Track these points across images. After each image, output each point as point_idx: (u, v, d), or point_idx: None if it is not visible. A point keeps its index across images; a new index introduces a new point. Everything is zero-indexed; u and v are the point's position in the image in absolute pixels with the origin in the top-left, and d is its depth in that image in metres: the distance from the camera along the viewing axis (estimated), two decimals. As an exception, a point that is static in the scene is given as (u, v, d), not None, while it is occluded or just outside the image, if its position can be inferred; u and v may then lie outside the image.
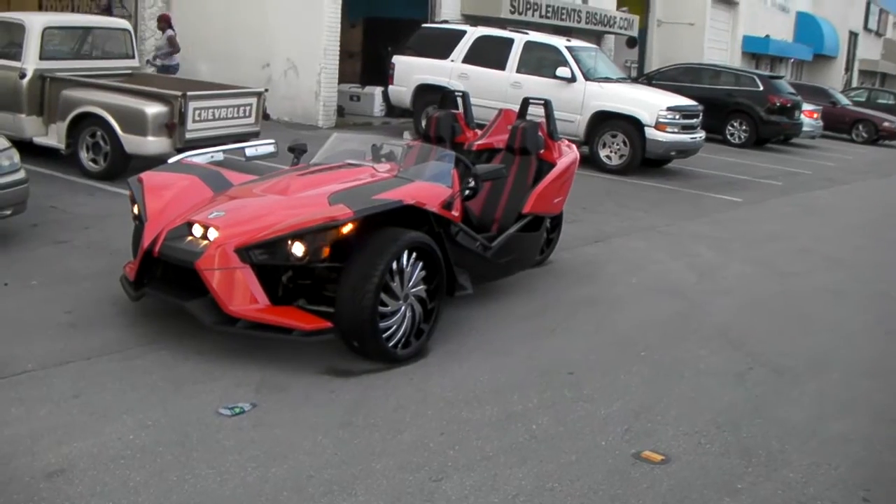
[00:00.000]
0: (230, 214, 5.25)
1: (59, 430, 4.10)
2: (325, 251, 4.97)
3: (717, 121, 19.66)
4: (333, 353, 5.17)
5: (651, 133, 13.67)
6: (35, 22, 10.15)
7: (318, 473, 3.89)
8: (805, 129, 22.11)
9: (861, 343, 6.60)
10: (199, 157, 9.11)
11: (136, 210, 5.67)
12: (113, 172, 9.47)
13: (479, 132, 7.93)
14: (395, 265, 5.02)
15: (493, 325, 6.08)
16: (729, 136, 20.70)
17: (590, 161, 13.85)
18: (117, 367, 4.87)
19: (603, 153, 14.05)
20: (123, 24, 11.51)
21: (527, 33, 15.22)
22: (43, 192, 8.62)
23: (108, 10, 16.34)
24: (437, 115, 7.75)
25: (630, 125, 13.80)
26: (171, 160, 7.62)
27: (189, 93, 9.57)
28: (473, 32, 15.40)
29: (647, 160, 14.11)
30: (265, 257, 4.99)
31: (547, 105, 7.71)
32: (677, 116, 13.91)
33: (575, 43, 15.24)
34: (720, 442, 4.54)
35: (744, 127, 20.65)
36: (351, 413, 4.51)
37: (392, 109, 17.36)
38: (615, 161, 13.98)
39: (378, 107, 18.31)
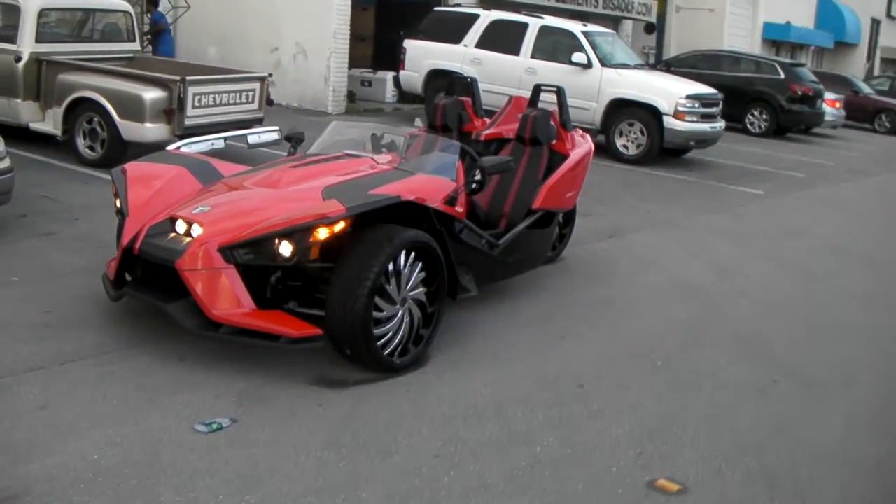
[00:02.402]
0: (216, 210, 4.88)
1: (20, 447, 3.76)
2: (315, 251, 4.60)
3: (736, 109, 19.12)
4: (326, 359, 4.80)
5: (669, 122, 13.20)
6: (31, 2, 9.77)
7: (297, 502, 3.51)
8: (827, 118, 21.56)
9: (893, 352, 6.17)
10: (200, 144, 8.78)
11: (118, 203, 5.32)
12: (110, 160, 9.06)
13: (488, 121, 7.52)
14: (391, 266, 4.63)
15: (498, 329, 5.68)
16: (749, 126, 20.17)
17: (605, 150, 13.41)
18: (91, 374, 4.52)
19: (619, 142, 13.60)
20: (124, 5, 11.12)
21: (542, 17, 14.77)
22: (35, 179, 8.30)
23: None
24: (443, 102, 7.35)
25: (648, 114, 13.33)
26: (168, 147, 7.27)
27: (188, 77, 9.20)
28: (487, 16, 14.95)
29: (664, 150, 13.65)
30: (250, 257, 4.62)
31: (560, 93, 7.26)
32: (697, 105, 13.45)
33: (591, 28, 14.77)
34: (742, 468, 4.13)
35: (764, 116, 20.12)
36: (339, 431, 4.13)
37: (404, 95, 16.94)
38: (632, 151, 13.52)
39: (390, 93, 17.88)
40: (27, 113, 9.71)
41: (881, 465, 4.34)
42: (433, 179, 5.37)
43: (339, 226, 4.61)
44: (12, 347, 4.72)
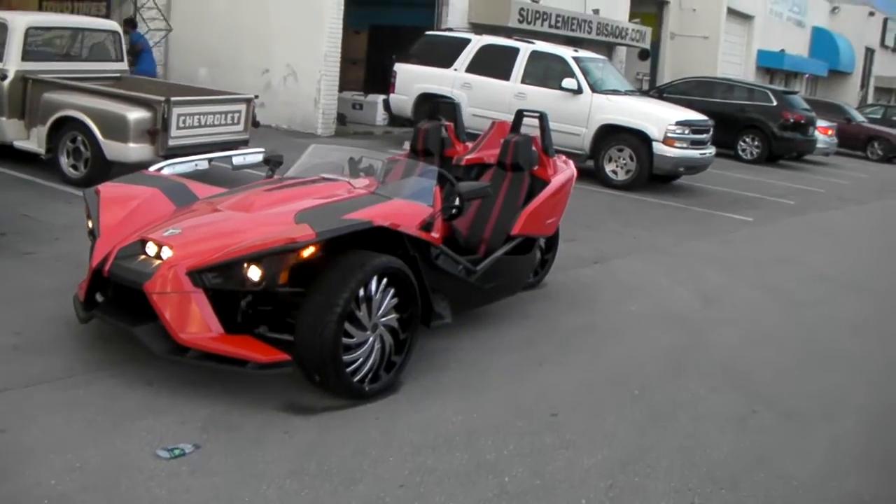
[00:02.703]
0: (186, 233, 4.80)
1: (-26, 474, 3.66)
2: (284, 276, 4.53)
3: (729, 136, 19.16)
4: (295, 385, 4.70)
5: (659, 148, 13.17)
6: (18, 21, 9.75)
7: (255, 533, 3.43)
8: (819, 145, 21.58)
9: (882, 384, 6.08)
10: (183, 165, 8.70)
11: (90, 224, 5.24)
12: (93, 179, 8.97)
13: (471, 145, 7.47)
14: (362, 292, 4.56)
15: (476, 355, 5.60)
16: (741, 152, 20.17)
17: (594, 176, 13.38)
18: (56, 398, 4.42)
19: (608, 168, 13.56)
20: (112, 25, 11.10)
21: (533, 43, 14.76)
22: (17, 198, 8.24)
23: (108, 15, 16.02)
24: (425, 126, 7.29)
25: (637, 139, 13.30)
26: (151, 168, 7.20)
27: (173, 98, 9.15)
28: (478, 41, 14.96)
29: (654, 176, 13.61)
30: (219, 281, 4.54)
31: (542, 118, 7.21)
32: (686, 131, 13.42)
33: (582, 53, 14.77)
34: (716, 501, 4.04)
35: (756, 143, 20.13)
36: (304, 458, 4.04)
37: (394, 119, 16.91)
38: (621, 176, 13.48)
39: (380, 116, 17.87)
40: (12, 131, 9.67)
41: (861, 500, 4.24)
42: (409, 205, 5.31)
43: (309, 251, 4.54)
44: (-23, 369, 4.64)
